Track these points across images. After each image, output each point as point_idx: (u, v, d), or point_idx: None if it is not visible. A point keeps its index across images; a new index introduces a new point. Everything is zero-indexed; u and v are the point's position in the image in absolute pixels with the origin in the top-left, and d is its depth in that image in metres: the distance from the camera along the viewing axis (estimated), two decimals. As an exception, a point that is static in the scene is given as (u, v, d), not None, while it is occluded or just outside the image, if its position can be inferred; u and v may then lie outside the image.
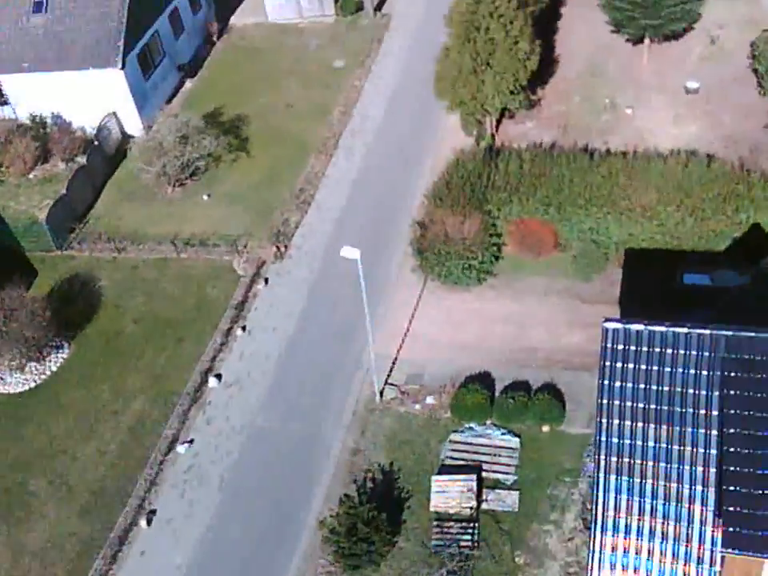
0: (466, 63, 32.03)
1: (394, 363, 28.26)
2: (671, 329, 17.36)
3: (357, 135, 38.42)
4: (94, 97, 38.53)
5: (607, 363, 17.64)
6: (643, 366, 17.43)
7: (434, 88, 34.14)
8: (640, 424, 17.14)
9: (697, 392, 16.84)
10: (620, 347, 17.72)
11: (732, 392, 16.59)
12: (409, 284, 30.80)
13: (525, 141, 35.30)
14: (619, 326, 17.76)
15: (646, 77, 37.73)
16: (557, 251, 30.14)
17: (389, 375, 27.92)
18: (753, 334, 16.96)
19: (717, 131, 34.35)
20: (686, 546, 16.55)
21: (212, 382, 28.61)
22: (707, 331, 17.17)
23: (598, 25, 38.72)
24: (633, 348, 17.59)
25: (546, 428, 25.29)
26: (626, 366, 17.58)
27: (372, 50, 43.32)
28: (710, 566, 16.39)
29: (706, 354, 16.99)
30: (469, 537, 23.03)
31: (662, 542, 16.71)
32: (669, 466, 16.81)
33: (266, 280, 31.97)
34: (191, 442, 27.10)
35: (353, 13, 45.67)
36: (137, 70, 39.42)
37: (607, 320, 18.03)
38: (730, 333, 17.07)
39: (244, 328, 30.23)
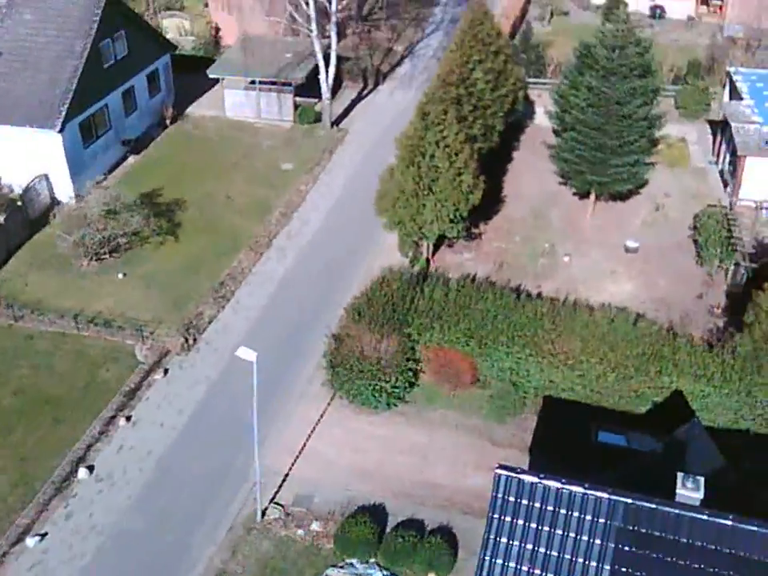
0: (409, 185, 31.58)
1: (284, 480, 26.11)
2: (567, 486, 15.88)
3: (292, 238, 37.42)
4: (28, 156, 37.19)
5: (495, 516, 16.00)
6: (533, 525, 15.81)
7: (375, 204, 33.57)
8: (521, 589, 15.38)
9: (586, 563, 15.21)
10: (511, 499, 16.13)
11: (623, 569, 15.00)
12: (316, 398, 29.05)
13: (460, 271, 34.76)
14: (513, 474, 16.23)
15: (588, 230, 37.80)
16: (474, 387, 28.84)
17: (276, 492, 25.72)
18: (654, 506, 15.55)
19: (651, 293, 34.13)
20: None
21: (82, 472, 26.00)
22: (605, 495, 15.72)
23: (548, 174, 39.04)
24: (525, 502, 16.02)
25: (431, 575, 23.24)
26: (515, 521, 15.94)
27: (323, 159, 43.03)
28: None
29: (602, 520, 15.47)
30: None
31: None
32: (544, 642, 14.99)
33: (166, 371, 29.93)
34: (44, 536, 24.28)
35: (310, 122, 45.64)
36: (76, 137, 38.29)
37: (500, 466, 16.51)
38: (630, 501, 15.64)
39: (129, 418, 27.91)
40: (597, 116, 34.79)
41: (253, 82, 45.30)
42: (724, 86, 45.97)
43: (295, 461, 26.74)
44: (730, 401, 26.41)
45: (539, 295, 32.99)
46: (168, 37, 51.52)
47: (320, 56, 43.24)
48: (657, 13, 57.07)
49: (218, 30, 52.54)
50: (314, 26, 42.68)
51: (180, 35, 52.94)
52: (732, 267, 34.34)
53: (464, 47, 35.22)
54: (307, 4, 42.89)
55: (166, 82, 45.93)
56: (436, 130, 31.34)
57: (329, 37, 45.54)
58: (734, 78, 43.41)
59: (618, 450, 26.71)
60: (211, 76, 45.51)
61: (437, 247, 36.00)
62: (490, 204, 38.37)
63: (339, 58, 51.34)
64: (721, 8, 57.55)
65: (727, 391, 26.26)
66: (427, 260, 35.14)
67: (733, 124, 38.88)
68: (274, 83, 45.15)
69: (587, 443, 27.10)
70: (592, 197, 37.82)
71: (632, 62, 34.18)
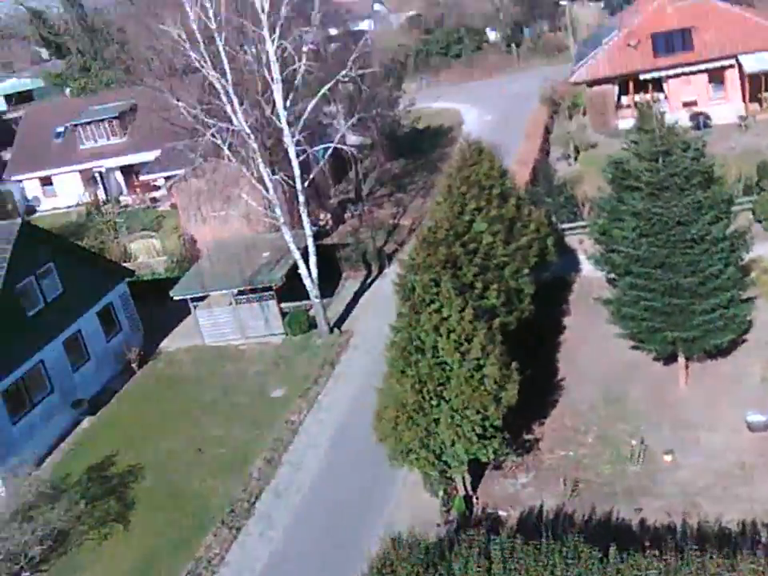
0: (409, 396, 21.63)
1: None
2: None
3: (282, 496, 27.03)
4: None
5: None
6: None
7: (373, 428, 23.55)
8: None
9: None
10: None
11: None
12: None
13: (517, 506, 23.91)
14: None
15: (688, 408, 26.60)
16: None
17: None
18: None
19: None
20: None
21: None
22: None
23: (613, 340, 28.09)
24: None
25: None
26: None
27: (322, 375, 33.39)
28: None
29: None
30: None
31: None
32: None
33: None
34: None
35: (305, 331, 36.53)
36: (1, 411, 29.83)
37: None
38: None
39: None
40: (655, 247, 24.91)
41: (241, 293, 36.94)
42: (812, 186, 35.92)
43: None
44: None
45: (642, 526, 21.79)
46: (139, 261, 44.71)
47: (293, 247, 34.65)
48: (701, 121, 48.03)
49: (194, 241, 45.05)
50: (277, 211, 34.35)
51: (152, 258, 45.73)
52: None
53: (453, 195, 26.31)
54: (266, 189, 34.75)
55: (127, 317, 37.76)
56: (430, 310, 21.82)
57: (315, 226, 37.58)
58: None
59: None
60: (175, 298, 37.30)
61: (479, 475, 25.30)
62: (539, 395, 27.81)
63: (336, 246, 43.37)
64: (775, 101, 48.44)
65: None
66: (467, 498, 24.34)
67: None
68: (252, 291, 36.77)
69: None
70: (681, 360, 27.05)
71: (685, 170, 24.68)
